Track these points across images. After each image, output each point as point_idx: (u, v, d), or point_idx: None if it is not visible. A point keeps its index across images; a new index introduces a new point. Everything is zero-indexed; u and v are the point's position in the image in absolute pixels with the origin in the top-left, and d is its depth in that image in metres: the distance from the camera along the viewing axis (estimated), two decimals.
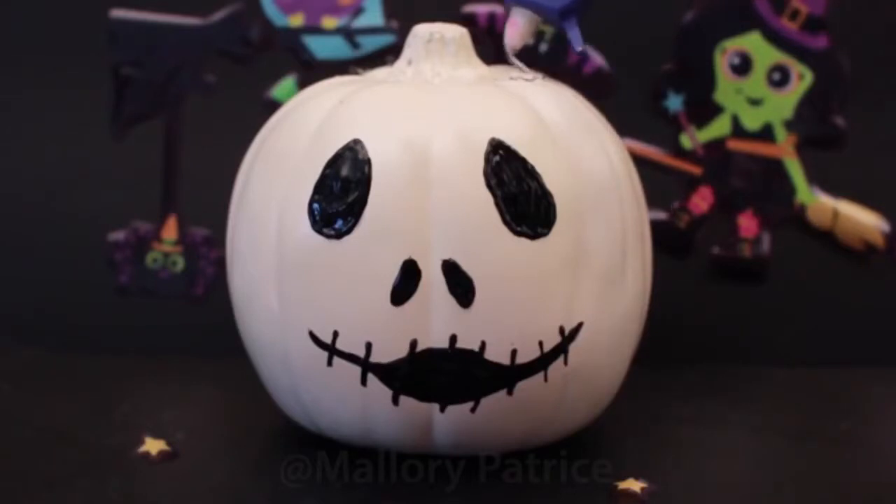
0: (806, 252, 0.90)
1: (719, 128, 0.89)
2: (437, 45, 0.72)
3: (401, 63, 0.73)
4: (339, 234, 0.67)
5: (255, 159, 0.72)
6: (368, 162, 0.67)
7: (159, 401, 0.81)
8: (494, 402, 0.67)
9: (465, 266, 0.66)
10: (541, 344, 0.67)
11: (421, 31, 0.73)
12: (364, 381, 0.67)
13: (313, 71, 0.89)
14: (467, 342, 0.66)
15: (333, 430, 0.71)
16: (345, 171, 0.67)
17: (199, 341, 0.89)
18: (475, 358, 0.66)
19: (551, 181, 0.67)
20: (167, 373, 0.86)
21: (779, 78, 0.89)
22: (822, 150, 0.90)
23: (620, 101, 0.86)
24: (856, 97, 0.89)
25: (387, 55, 0.88)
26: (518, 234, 0.66)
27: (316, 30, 0.90)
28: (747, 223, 0.90)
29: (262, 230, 0.69)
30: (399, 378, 0.67)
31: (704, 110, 0.89)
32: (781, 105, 0.89)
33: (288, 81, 0.90)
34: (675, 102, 0.89)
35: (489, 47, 0.82)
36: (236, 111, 0.88)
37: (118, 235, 0.91)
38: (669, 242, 0.89)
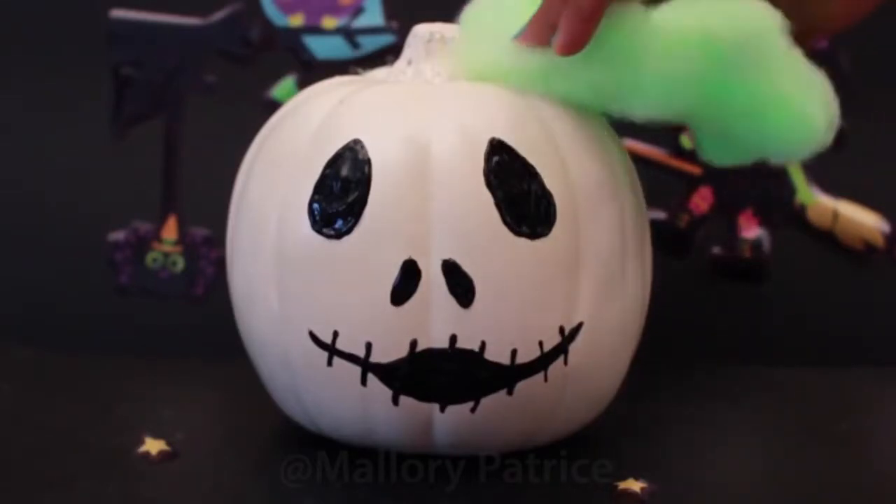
0: (806, 252, 0.90)
1: None
2: (438, 45, 0.72)
3: (401, 63, 0.73)
4: (339, 234, 0.67)
5: (255, 159, 0.72)
6: (368, 162, 0.67)
7: (159, 401, 0.81)
8: (494, 402, 0.67)
9: (466, 266, 0.66)
10: (541, 344, 0.67)
11: (421, 31, 0.73)
12: (364, 381, 0.67)
13: (313, 71, 0.89)
14: (467, 342, 0.66)
15: (333, 430, 0.71)
16: (345, 171, 0.67)
17: (199, 341, 0.89)
18: (475, 358, 0.66)
19: (551, 181, 0.67)
20: (167, 373, 0.86)
21: None
22: (822, 150, 0.90)
23: None
24: (856, 97, 0.89)
25: (387, 55, 0.88)
26: (518, 234, 0.66)
27: (316, 30, 0.90)
28: (747, 223, 0.90)
29: (263, 230, 0.69)
30: (399, 378, 0.67)
31: None
32: None
33: (288, 81, 0.90)
34: None
35: None
36: (236, 111, 0.88)
37: (118, 235, 0.91)
38: (669, 242, 0.89)
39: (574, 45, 0.66)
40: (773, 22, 0.68)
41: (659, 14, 0.67)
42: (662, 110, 0.68)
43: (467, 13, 0.72)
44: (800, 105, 0.69)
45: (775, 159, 0.71)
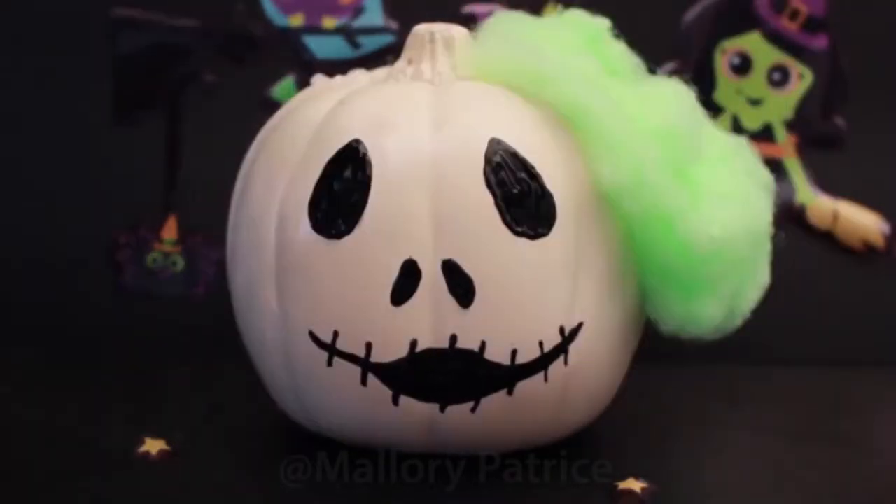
0: (806, 252, 0.90)
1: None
2: (438, 45, 0.72)
3: (401, 63, 0.73)
4: (339, 234, 0.67)
5: (255, 159, 0.72)
6: (368, 162, 0.67)
7: (159, 401, 0.81)
8: (494, 402, 0.67)
9: (466, 266, 0.66)
10: (541, 344, 0.67)
11: (421, 30, 0.73)
12: (364, 381, 0.67)
13: (313, 71, 0.89)
14: (467, 342, 0.66)
15: (333, 430, 0.71)
16: (345, 172, 0.67)
17: (199, 341, 0.89)
18: (475, 358, 0.66)
19: (551, 181, 0.67)
20: (167, 373, 0.86)
21: (779, 78, 0.89)
22: (822, 150, 0.90)
23: None
24: (856, 97, 0.89)
25: (387, 55, 0.88)
26: (518, 234, 0.66)
27: (316, 30, 0.90)
28: None
29: (263, 230, 0.69)
30: (399, 378, 0.67)
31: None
32: (781, 105, 0.89)
33: (288, 81, 0.90)
34: None
35: None
36: (236, 111, 0.88)
37: (118, 235, 0.91)
38: None
39: None
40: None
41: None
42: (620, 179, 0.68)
43: (492, 19, 0.72)
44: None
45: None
